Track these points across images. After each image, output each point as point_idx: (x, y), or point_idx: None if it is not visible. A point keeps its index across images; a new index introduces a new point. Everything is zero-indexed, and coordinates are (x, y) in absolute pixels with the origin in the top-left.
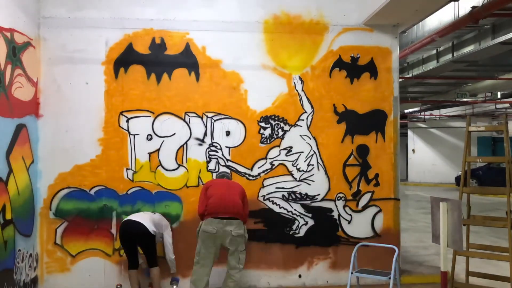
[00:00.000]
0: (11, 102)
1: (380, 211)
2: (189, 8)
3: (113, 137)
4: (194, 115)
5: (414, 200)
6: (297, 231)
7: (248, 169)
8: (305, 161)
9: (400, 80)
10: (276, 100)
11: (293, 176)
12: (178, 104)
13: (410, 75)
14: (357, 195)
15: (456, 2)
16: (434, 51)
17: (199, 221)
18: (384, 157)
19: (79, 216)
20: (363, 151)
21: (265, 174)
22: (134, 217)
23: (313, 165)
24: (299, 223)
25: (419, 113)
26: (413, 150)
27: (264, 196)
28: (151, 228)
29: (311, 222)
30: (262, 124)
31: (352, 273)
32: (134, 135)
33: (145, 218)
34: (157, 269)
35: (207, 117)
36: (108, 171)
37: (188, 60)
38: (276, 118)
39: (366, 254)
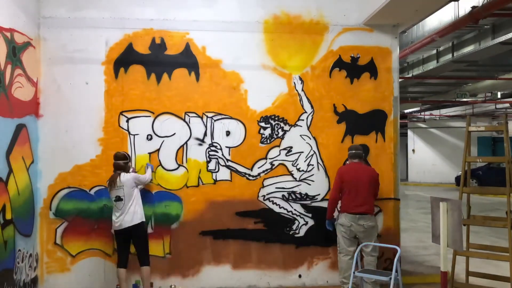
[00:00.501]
0: (11, 102)
1: (380, 211)
2: (189, 8)
3: (113, 137)
4: (194, 115)
5: (414, 200)
6: (297, 231)
7: (248, 169)
8: (305, 161)
9: (400, 80)
10: (276, 100)
11: (293, 176)
12: (178, 104)
13: (410, 75)
14: None
15: (456, 2)
16: (434, 51)
17: (199, 221)
18: (384, 157)
19: (79, 216)
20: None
21: (265, 174)
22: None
23: (313, 165)
24: (299, 223)
25: (419, 113)
26: (413, 150)
27: (264, 196)
28: (137, 215)
29: (311, 222)
30: (262, 124)
31: (354, 272)
32: (134, 135)
33: (125, 212)
34: (148, 268)
35: (207, 117)
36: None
37: (188, 60)
38: (276, 118)
39: None
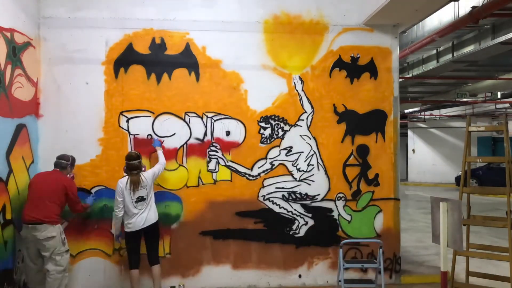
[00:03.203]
0: (11, 102)
1: (380, 211)
2: (189, 8)
3: (113, 137)
4: (194, 115)
5: (414, 200)
6: (297, 231)
7: (248, 169)
8: (305, 161)
9: (400, 80)
10: (276, 100)
11: (293, 176)
12: (178, 104)
13: (410, 75)
14: (357, 195)
15: (456, 2)
16: (434, 51)
17: (199, 221)
18: (384, 157)
19: (79, 216)
20: (363, 151)
21: (265, 174)
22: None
23: (313, 165)
24: (299, 223)
25: (419, 113)
26: (413, 150)
27: (264, 196)
28: (155, 217)
29: (311, 222)
30: (262, 124)
31: (343, 265)
32: (134, 135)
33: (147, 210)
34: (159, 266)
35: (207, 117)
36: (108, 171)
37: (188, 60)
38: (276, 118)
39: (365, 253)
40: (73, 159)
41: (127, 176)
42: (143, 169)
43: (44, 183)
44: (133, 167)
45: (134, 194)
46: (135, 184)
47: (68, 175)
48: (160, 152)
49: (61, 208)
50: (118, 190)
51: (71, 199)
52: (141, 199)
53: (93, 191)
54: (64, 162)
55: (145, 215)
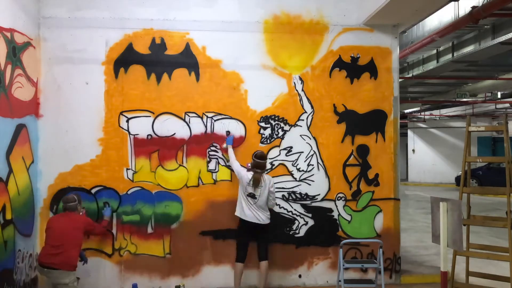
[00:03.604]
0: (11, 102)
1: (380, 211)
2: (189, 8)
3: (113, 137)
4: (194, 115)
5: (414, 200)
6: (297, 231)
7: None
8: (305, 161)
9: (400, 80)
10: (276, 100)
11: (293, 176)
12: (178, 104)
13: (410, 75)
14: (357, 195)
15: (456, 2)
16: (434, 51)
17: (199, 221)
18: (384, 157)
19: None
20: (363, 151)
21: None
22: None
23: (313, 165)
24: (299, 223)
25: (419, 113)
26: (413, 150)
27: None
28: (267, 217)
29: (311, 222)
30: (262, 124)
31: (343, 265)
32: (134, 135)
33: (262, 210)
34: (267, 262)
35: (207, 117)
36: (108, 171)
37: (188, 60)
38: (276, 118)
39: (365, 253)
40: (79, 196)
41: (250, 172)
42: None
43: (61, 227)
44: (260, 166)
45: (253, 189)
46: (256, 181)
47: (80, 213)
48: (231, 150)
49: (79, 249)
50: (241, 170)
51: (92, 230)
52: (253, 196)
53: (93, 191)
54: (73, 204)
55: (259, 213)
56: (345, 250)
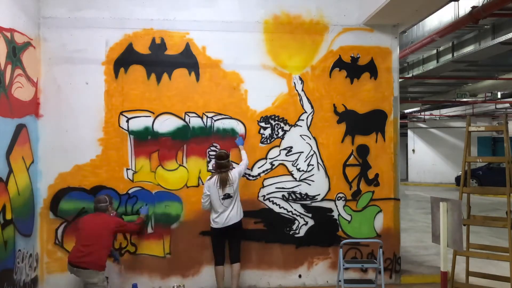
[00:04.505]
0: (11, 102)
1: (380, 211)
2: (189, 8)
3: (113, 137)
4: (194, 115)
5: (414, 200)
6: (297, 231)
7: (248, 169)
8: (305, 161)
9: (400, 80)
10: (276, 100)
11: (293, 176)
12: (178, 104)
13: (410, 75)
14: (357, 195)
15: (456, 2)
16: (434, 51)
17: (199, 221)
18: (384, 157)
19: (79, 216)
20: (363, 151)
21: (265, 174)
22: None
23: (313, 165)
24: (299, 223)
25: (419, 113)
26: (413, 150)
27: (264, 196)
28: (240, 215)
29: (311, 222)
30: (262, 124)
31: (343, 265)
32: (134, 135)
33: (234, 208)
34: (239, 265)
35: (207, 117)
36: (108, 171)
37: (188, 60)
38: (276, 118)
39: (365, 253)
40: (110, 197)
41: (215, 176)
42: (231, 167)
43: (92, 228)
44: (222, 165)
45: (222, 191)
46: (223, 181)
47: (111, 214)
48: (243, 151)
49: (109, 250)
50: (205, 187)
51: (125, 230)
52: (227, 196)
53: (92, 191)
54: (104, 205)
55: (229, 214)
56: (345, 250)
